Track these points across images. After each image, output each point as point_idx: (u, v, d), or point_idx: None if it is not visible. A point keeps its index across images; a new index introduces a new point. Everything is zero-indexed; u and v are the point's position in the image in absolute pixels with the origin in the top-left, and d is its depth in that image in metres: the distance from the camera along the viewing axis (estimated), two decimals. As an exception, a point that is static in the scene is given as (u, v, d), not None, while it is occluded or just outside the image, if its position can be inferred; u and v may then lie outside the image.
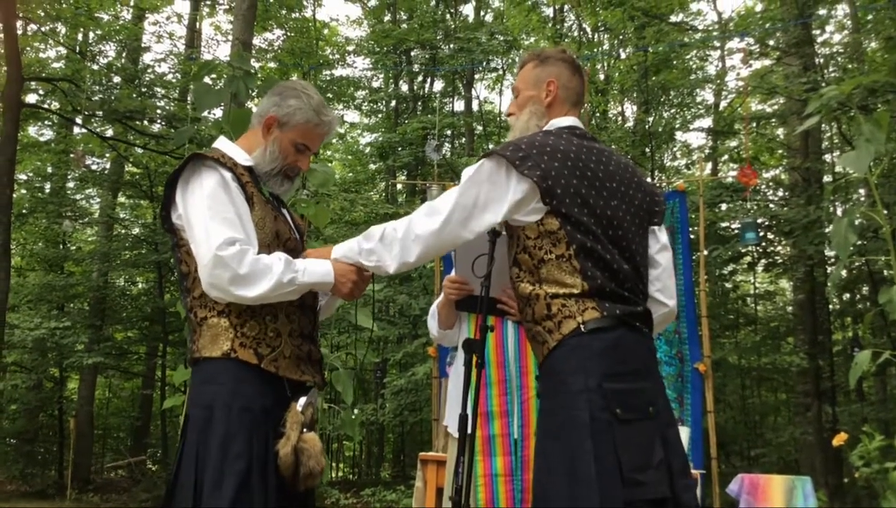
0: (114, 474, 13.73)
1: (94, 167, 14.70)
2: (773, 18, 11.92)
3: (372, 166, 16.53)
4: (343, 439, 16.05)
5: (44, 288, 13.13)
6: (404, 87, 16.24)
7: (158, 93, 13.56)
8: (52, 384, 14.21)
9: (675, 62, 13.37)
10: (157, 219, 12.67)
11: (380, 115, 16.65)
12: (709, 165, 13.00)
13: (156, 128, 12.94)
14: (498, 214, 1.88)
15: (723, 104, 14.25)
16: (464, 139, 15.24)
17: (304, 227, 2.31)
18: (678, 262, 5.38)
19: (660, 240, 2.04)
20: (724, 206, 11.05)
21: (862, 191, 11.54)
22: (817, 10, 10.95)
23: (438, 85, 16.07)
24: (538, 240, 1.87)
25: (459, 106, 15.51)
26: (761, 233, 10.59)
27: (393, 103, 15.80)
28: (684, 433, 4.66)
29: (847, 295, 12.89)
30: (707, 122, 14.43)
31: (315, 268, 1.94)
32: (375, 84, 16.66)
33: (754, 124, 11.95)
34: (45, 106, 13.56)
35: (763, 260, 12.67)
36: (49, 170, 14.86)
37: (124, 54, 14.72)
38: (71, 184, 15.11)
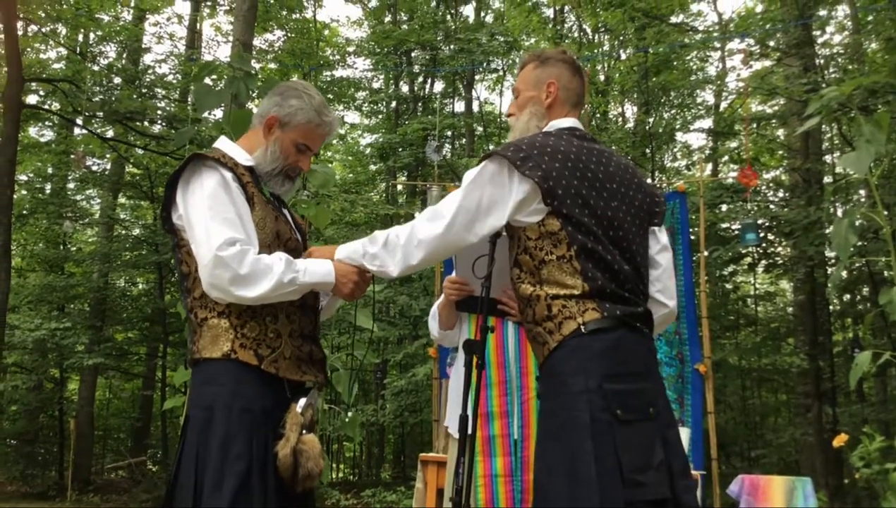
0: (114, 475, 13.72)
1: (94, 168, 14.71)
2: (774, 19, 11.92)
3: (372, 167, 16.51)
4: (343, 440, 16.05)
5: (44, 289, 13.13)
6: (405, 88, 16.24)
7: (159, 94, 13.58)
8: (52, 385, 14.20)
9: (675, 63, 13.36)
10: (157, 219, 12.70)
11: (380, 116, 16.65)
12: (709, 166, 13.00)
13: (156, 129, 12.95)
14: (502, 218, 1.88)
15: (723, 105, 14.26)
16: (464, 140, 15.24)
17: (305, 227, 2.30)
18: (678, 263, 5.38)
19: (660, 241, 2.04)
20: (724, 207, 11.05)
21: (862, 192, 11.52)
22: (817, 10, 10.94)
23: (439, 86, 16.10)
24: (539, 241, 1.87)
25: (460, 107, 15.53)
26: (761, 234, 10.58)
27: (393, 104, 15.80)
28: (684, 434, 4.65)
29: (847, 296, 12.89)
30: (707, 123, 14.43)
31: (316, 269, 1.94)
32: (376, 85, 16.67)
33: (755, 125, 11.94)
34: (46, 107, 13.56)
35: (763, 261, 12.67)
36: (49, 170, 14.85)
37: (125, 55, 14.73)
38: (71, 185, 15.10)
